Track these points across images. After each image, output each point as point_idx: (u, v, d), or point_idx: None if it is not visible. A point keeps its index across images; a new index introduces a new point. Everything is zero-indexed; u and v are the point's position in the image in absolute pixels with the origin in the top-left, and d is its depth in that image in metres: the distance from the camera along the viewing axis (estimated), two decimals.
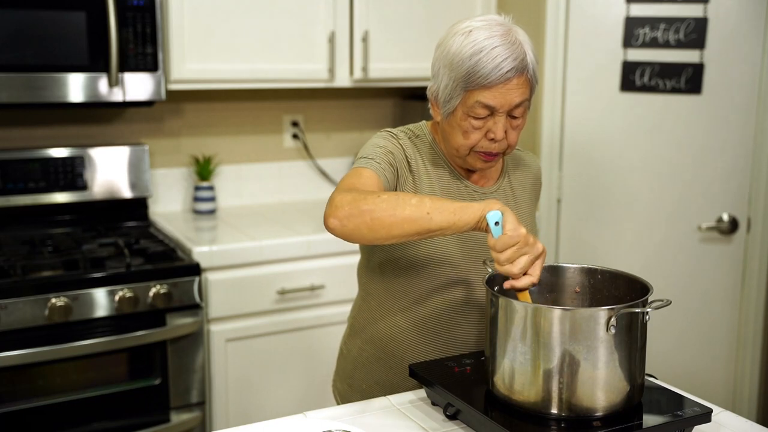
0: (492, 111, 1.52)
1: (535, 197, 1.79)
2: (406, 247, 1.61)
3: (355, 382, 1.76)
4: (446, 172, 1.65)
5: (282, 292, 2.61)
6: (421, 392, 1.55)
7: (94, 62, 2.53)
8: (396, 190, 1.60)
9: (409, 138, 1.65)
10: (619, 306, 1.30)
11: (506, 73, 1.48)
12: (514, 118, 1.54)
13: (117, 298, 2.34)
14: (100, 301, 2.33)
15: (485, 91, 1.50)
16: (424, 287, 1.63)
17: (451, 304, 1.63)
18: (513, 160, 1.76)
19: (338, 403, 1.80)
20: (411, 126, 1.71)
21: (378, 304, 1.70)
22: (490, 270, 1.46)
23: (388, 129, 1.67)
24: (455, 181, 1.65)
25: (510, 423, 1.30)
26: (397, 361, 1.67)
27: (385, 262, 1.65)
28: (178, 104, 3.04)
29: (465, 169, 1.67)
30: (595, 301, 1.51)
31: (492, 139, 1.54)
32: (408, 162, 1.62)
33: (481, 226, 1.36)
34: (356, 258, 1.84)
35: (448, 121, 1.57)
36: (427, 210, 1.36)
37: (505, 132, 1.55)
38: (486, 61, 1.48)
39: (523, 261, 1.32)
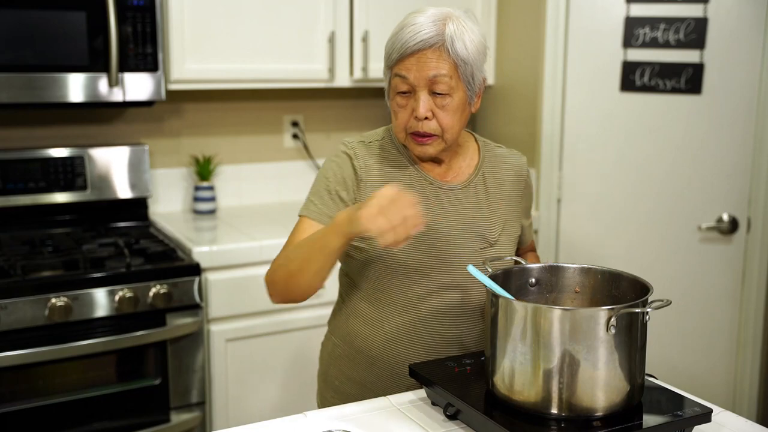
0: (412, 87, 1.55)
1: (519, 195, 1.76)
2: (370, 255, 1.62)
3: (329, 378, 1.78)
4: (411, 172, 1.66)
5: None
6: (421, 392, 1.55)
7: (94, 62, 2.53)
8: (352, 204, 1.62)
9: (367, 144, 1.68)
10: (619, 306, 1.30)
11: (417, 43, 1.52)
12: (438, 95, 1.55)
13: (117, 298, 2.34)
14: (100, 301, 2.33)
15: (401, 64, 1.55)
16: (388, 289, 1.64)
17: (410, 305, 1.63)
18: (491, 157, 1.74)
19: (317, 401, 1.84)
20: (380, 129, 1.73)
21: (346, 304, 1.73)
22: (489, 270, 1.47)
23: (345, 141, 1.69)
24: (420, 180, 1.66)
25: (510, 423, 1.31)
26: (364, 358, 1.68)
27: (354, 267, 1.68)
28: (178, 104, 3.04)
29: (435, 165, 1.67)
30: (595, 301, 1.51)
31: (417, 118, 1.55)
32: (356, 173, 1.63)
33: (356, 232, 1.41)
34: None
35: (390, 109, 1.62)
36: (305, 253, 1.50)
37: (434, 113, 1.56)
38: (402, 34, 1.55)
39: (398, 232, 1.36)
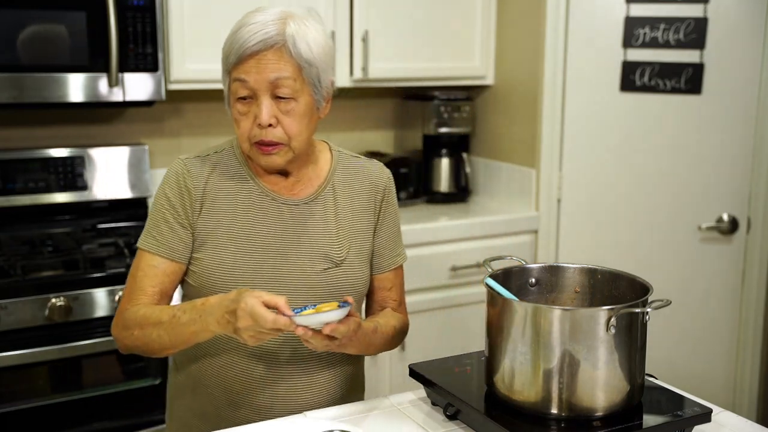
0: (252, 91, 1.45)
1: (375, 208, 1.63)
2: (204, 280, 1.53)
3: (173, 413, 1.68)
4: (251, 186, 1.56)
5: None
6: (421, 392, 1.55)
7: (94, 62, 2.53)
8: (189, 228, 1.53)
9: (203, 159, 1.57)
10: (619, 306, 1.30)
11: (256, 44, 1.42)
12: (282, 99, 1.45)
13: (117, 298, 2.34)
14: (100, 301, 2.33)
15: (239, 66, 1.45)
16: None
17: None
18: (346, 168, 1.64)
19: None
20: (225, 140, 1.63)
21: None
22: (489, 270, 1.47)
23: (181, 158, 1.58)
24: (261, 195, 1.55)
25: (510, 423, 1.31)
26: (203, 387, 1.58)
27: (191, 292, 1.58)
28: (178, 104, 3.03)
29: (281, 178, 1.57)
30: (595, 301, 1.52)
31: (260, 125, 1.45)
32: (190, 193, 1.53)
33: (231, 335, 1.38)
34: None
35: (231, 117, 1.52)
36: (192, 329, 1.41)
37: (279, 120, 1.46)
38: (240, 34, 1.44)
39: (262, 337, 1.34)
